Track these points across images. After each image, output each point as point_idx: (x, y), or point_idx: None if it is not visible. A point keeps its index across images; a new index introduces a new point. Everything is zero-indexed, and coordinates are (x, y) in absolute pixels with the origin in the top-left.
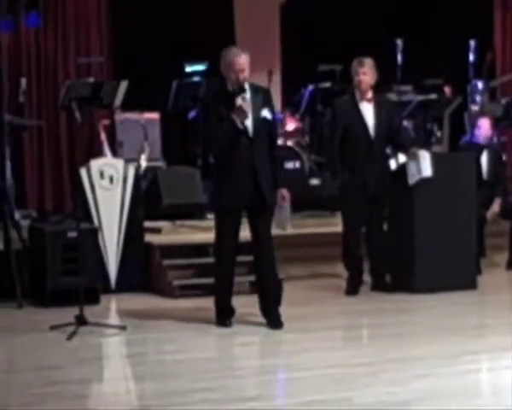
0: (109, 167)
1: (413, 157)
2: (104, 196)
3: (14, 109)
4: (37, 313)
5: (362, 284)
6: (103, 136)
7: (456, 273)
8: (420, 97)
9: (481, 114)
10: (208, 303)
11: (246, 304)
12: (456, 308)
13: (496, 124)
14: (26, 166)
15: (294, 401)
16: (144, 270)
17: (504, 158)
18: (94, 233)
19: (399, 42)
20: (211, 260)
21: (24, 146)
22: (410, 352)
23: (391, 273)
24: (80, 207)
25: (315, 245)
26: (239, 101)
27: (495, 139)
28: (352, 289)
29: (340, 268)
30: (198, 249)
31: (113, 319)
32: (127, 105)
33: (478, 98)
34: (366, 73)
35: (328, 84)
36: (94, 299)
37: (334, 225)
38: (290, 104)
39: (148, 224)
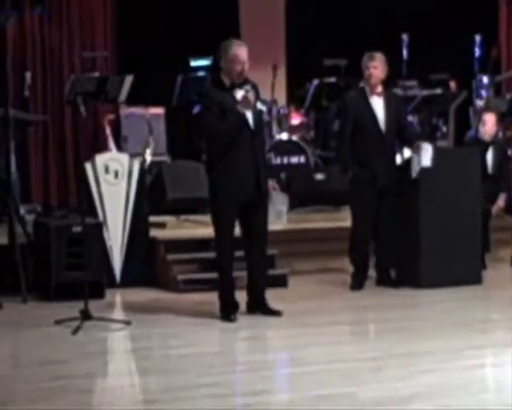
0: (114, 162)
1: (417, 150)
2: (109, 191)
3: (18, 104)
4: (41, 308)
5: (367, 279)
6: (108, 130)
7: (460, 268)
8: (425, 92)
9: (486, 109)
10: (213, 298)
11: None
12: (461, 303)
13: (501, 119)
14: (31, 160)
15: (299, 395)
16: (149, 264)
17: (509, 153)
18: (99, 228)
19: (405, 37)
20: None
21: (29, 141)
22: (415, 347)
23: (396, 268)
24: (85, 202)
25: (320, 240)
26: (243, 92)
27: (500, 134)
28: (357, 284)
29: (346, 263)
30: (202, 244)
31: (118, 314)
32: (132, 100)
33: (483, 93)
34: (377, 68)
35: (333, 79)
36: (99, 293)
37: (340, 219)
38: (295, 99)
39: (152, 218)
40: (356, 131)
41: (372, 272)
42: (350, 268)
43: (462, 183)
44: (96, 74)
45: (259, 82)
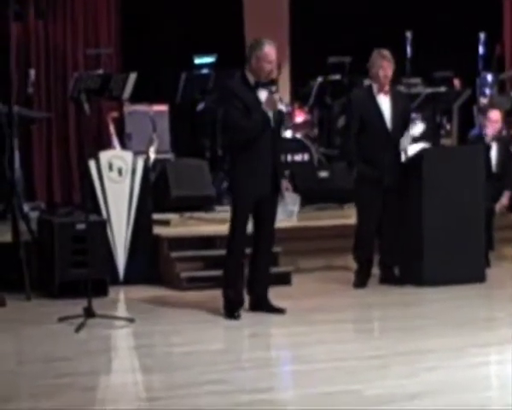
0: (118, 159)
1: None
2: (113, 188)
3: (22, 101)
4: (45, 305)
5: (370, 277)
6: (112, 128)
7: (464, 266)
8: (429, 90)
9: (490, 106)
10: (216, 295)
11: None
12: (465, 301)
13: (505, 117)
14: (35, 158)
15: (304, 393)
16: (152, 262)
17: None
18: (102, 225)
19: (409, 34)
20: (219, 252)
21: (33, 138)
22: (420, 344)
23: (399, 266)
24: (89, 200)
25: (324, 237)
26: (266, 92)
27: (504, 132)
28: (361, 281)
29: (350, 261)
30: (206, 241)
31: (122, 311)
32: (136, 97)
33: (487, 91)
34: (390, 68)
35: (337, 77)
36: (102, 291)
37: (343, 217)
38: (299, 97)
39: (156, 216)
40: (362, 128)
41: (376, 270)
42: (354, 266)
43: (465, 181)
44: (100, 72)
45: None
